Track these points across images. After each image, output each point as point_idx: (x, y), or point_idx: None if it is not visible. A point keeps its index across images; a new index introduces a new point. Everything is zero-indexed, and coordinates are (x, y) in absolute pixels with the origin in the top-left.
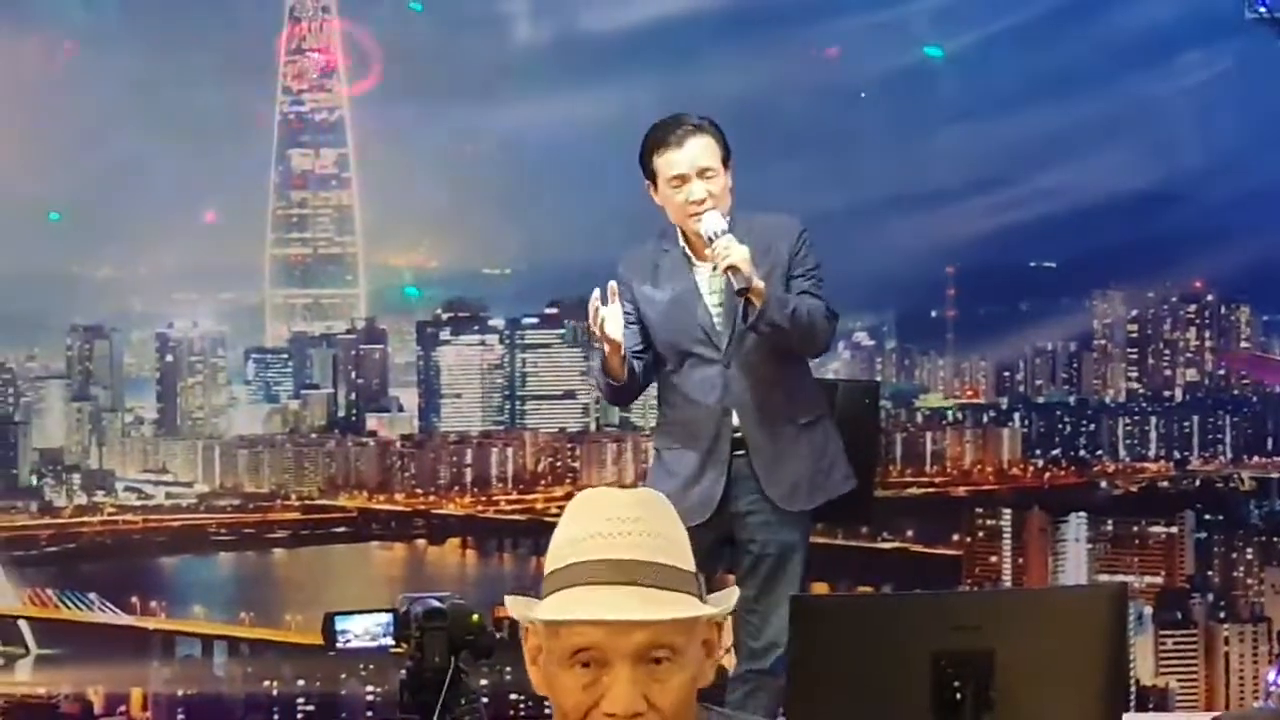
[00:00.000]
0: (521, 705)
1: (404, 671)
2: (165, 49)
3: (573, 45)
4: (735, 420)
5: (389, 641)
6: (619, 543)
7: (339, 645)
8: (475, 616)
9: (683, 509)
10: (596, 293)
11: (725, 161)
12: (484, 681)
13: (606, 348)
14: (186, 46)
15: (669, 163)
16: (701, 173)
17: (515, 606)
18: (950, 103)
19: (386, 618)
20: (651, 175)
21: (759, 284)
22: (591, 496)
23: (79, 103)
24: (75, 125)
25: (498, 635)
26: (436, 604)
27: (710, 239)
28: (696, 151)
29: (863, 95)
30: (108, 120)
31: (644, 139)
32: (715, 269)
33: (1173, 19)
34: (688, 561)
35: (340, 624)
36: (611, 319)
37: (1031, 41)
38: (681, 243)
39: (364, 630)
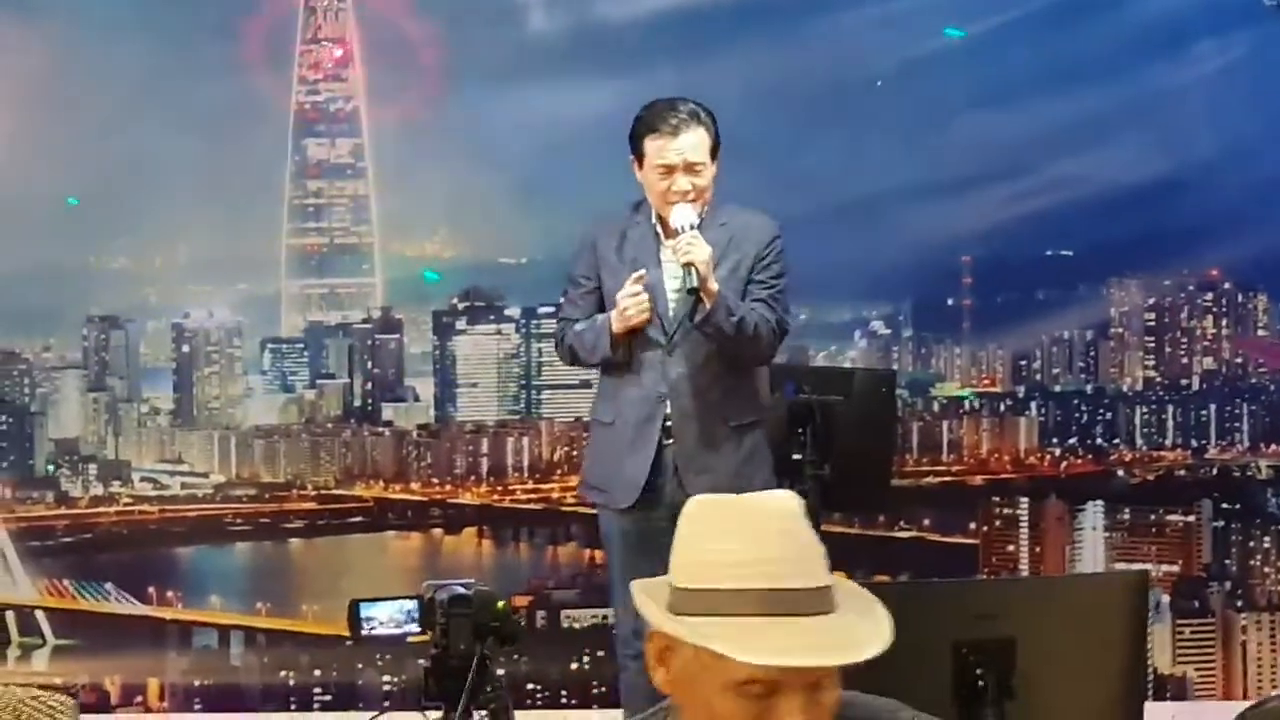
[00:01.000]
0: (538, 695)
1: (428, 659)
2: (179, 39)
3: (590, 33)
4: (668, 409)
5: (414, 628)
6: (784, 569)
7: (364, 632)
8: (501, 603)
9: (611, 490)
10: (643, 272)
11: (714, 153)
12: (500, 671)
13: (624, 325)
14: (200, 36)
15: (658, 149)
16: (689, 166)
17: (663, 620)
18: (966, 92)
19: (411, 604)
20: (639, 154)
21: (712, 286)
22: (735, 507)
23: (92, 94)
24: (89, 116)
25: (522, 623)
26: (462, 590)
27: (679, 231)
28: (687, 144)
29: (879, 84)
30: (122, 111)
31: (637, 116)
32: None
33: (1187, 7)
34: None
35: (365, 611)
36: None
37: (1046, 31)
38: (654, 220)
39: (389, 617)
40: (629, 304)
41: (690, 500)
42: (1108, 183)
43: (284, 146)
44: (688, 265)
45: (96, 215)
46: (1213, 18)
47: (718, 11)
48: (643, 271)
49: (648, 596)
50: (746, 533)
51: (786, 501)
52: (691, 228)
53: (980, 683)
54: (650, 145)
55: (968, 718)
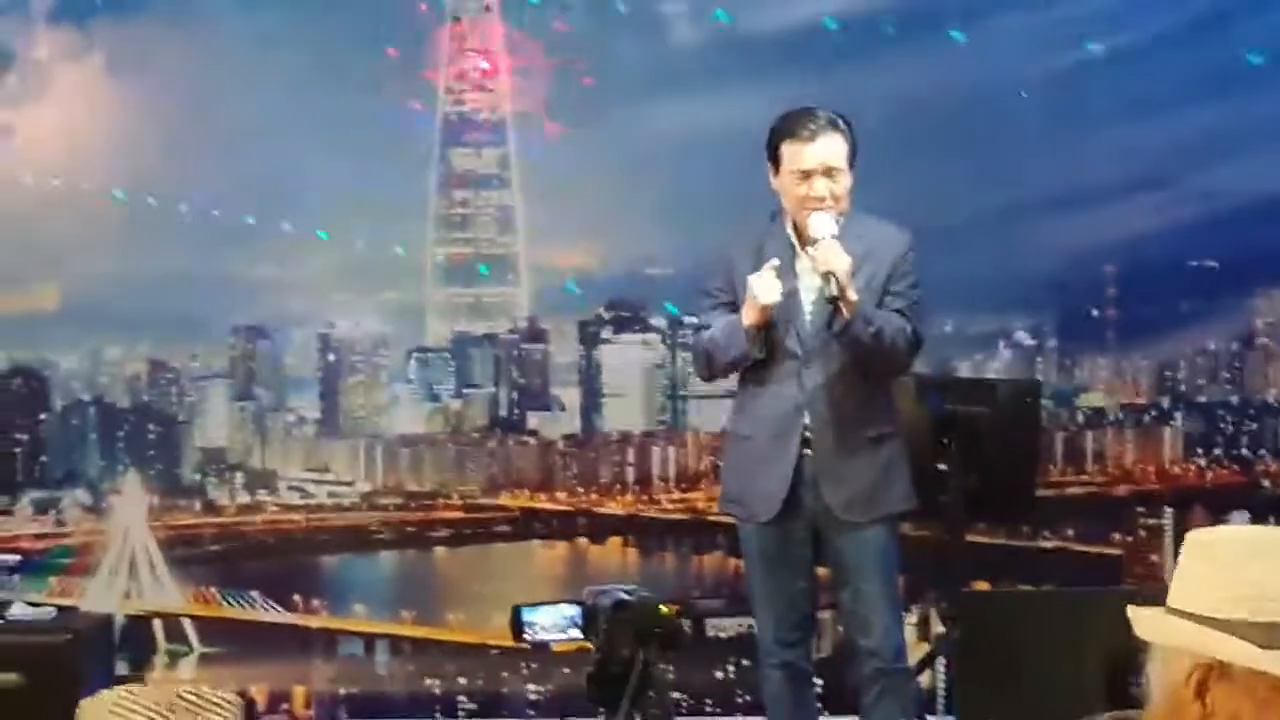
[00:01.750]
0: (683, 704)
1: (592, 664)
2: (327, 49)
3: (734, 44)
4: (806, 419)
5: (576, 634)
6: None
7: (526, 637)
8: (664, 609)
9: (750, 504)
10: (777, 261)
11: (851, 162)
12: (669, 676)
13: (759, 318)
14: (349, 46)
15: (796, 154)
16: (827, 171)
17: (1258, 657)
18: (1110, 101)
19: (574, 610)
20: (775, 161)
21: (853, 297)
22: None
23: (238, 104)
24: (238, 126)
25: (686, 629)
26: (624, 596)
27: (816, 240)
28: (825, 149)
29: (1023, 94)
30: (267, 121)
31: (774, 124)
32: (815, 269)
33: None
34: None
35: (527, 616)
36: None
37: (1192, 39)
38: (790, 230)
39: (551, 623)
40: (757, 285)
41: (1201, 532)
42: (1252, 193)
43: (428, 157)
44: (828, 274)
45: (242, 225)
46: None
47: (860, 22)
48: (776, 261)
49: (1175, 630)
50: None
51: None
52: (832, 237)
53: (1134, 691)
54: (787, 150)
55: None
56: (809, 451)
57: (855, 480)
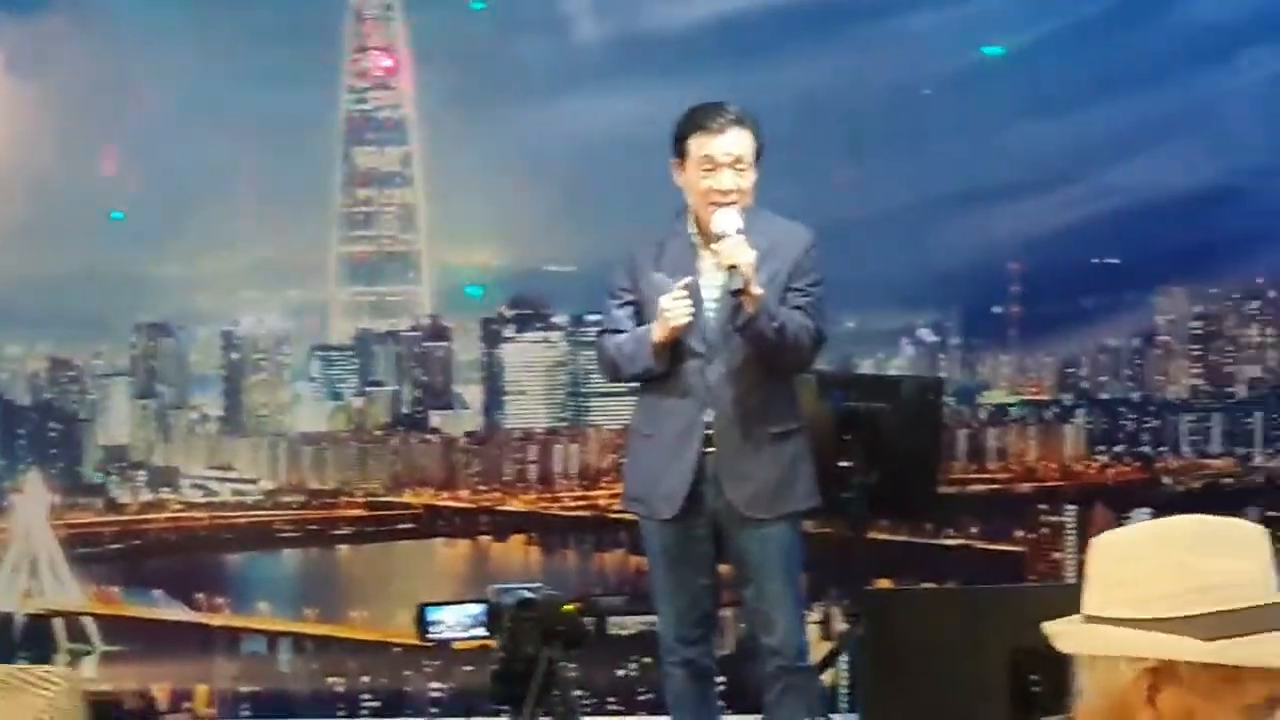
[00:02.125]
0: (586, 701)
1: (496, 662)
2: (227, 48)
3: (636, 43)
4: (709, 417)
5: (481, 632)
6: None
7: (430, 635)
8: (567, 607)
9: (652, 502)
10: (689, 279)
11: (757, 158)
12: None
13: (669, 337)
14: (251, 44)
15: (703, 146)
16: (734, 163)
17: (1200, 650)
18: (1014, 100)
19: (478, 609)
20: (681, 154)
21: (757, 291)
22: (1238, 527)
23: (142, 100)
24: (139, 123)
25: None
26: (529, 594)
27: (721, 236)
28: (733, 142)
29: (927, 93)
30: (171, 120)
31: (681, 118)
32: (718, 264)
33: (1236, 15)
34: None
35: (432, 615)
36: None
37: (1094, 38)
38: (692, 229)
39: (455, 621)
40: (672, 307)
41: (1108, 535)
42: (1155, 191)
43: (332, 156)
44: (732, 268)
45: (146, 222)
46: (1263, 24)
47: (765, 20)
48: (689, 279)
49: (1111, 638)
50: (1244, 551)
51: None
52: (738, 232)
53: (1035, 689)
54: (694, 143)
55: None
56: (711, 450)
57: (759, 477)
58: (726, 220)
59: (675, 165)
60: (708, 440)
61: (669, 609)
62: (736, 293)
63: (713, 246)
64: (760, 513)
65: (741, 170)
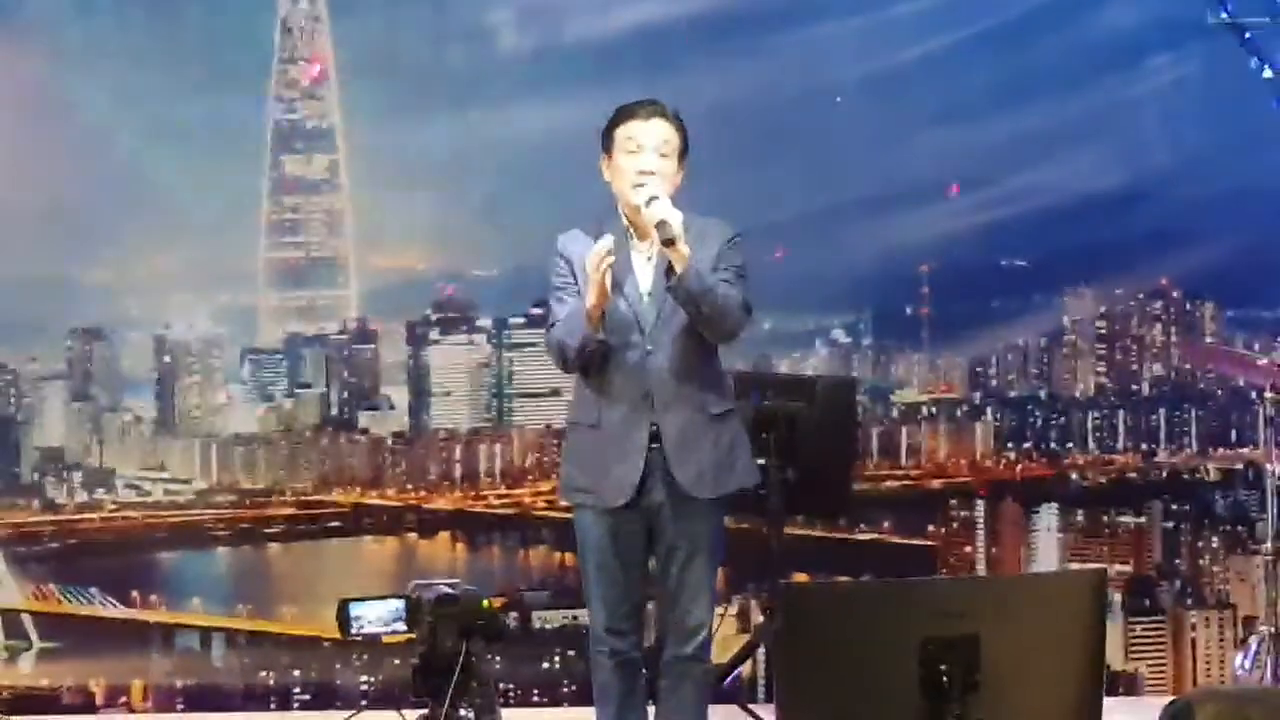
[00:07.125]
0: (511, 694)
1: (417, 657)
2: (158, 57)
3: (556, 53)
4: (654, 405)
5: (401, 627)
6: None
7: (353, 631)
8: (486, 602)
9: (602, 491)
10: (610, 239)
11: (682, 156)
12: (492, 668)
13: (596, 299)
14: (179, 55)
15: (628, 130)
16: (658, 145)
17: None
18: (925, 106)
19: (398, 604)
20: (608, 147)
21: (684, 249)
22: None
23: (74, 110)
24: (71, 133)
25: (507, 622)
26: (448, 590)
27: (648, 202)
28: (659, 129)
29: (839, 100)
30: (103, 128)
31: (611, 115)
32: (650, 259)
33: (1140, 23)
34: None
35: (354, 610)
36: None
37: (1002, 45)
38: (624, 222)
39: (377, 616)
40: (595, 250)
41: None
42: (1062, 195)
43: (261, 163)
44: (661, 223)
45: (79, 229)
46: (1165, 33)
47: (680, 31)
48: (609, 237)
49: None
50: None
51: None
52: (665, 198)
53: (945, 678)
54: (621, 132)
55: (933, 712)
56: (657, 444)
57: (702, 456)
58: (652, 187)
59: (604, 161)
60: (653, 426)
61: (600, 600)
62: (668, 242)
63: (641, 208)
64: (705, 492)
65: (665, 156)
